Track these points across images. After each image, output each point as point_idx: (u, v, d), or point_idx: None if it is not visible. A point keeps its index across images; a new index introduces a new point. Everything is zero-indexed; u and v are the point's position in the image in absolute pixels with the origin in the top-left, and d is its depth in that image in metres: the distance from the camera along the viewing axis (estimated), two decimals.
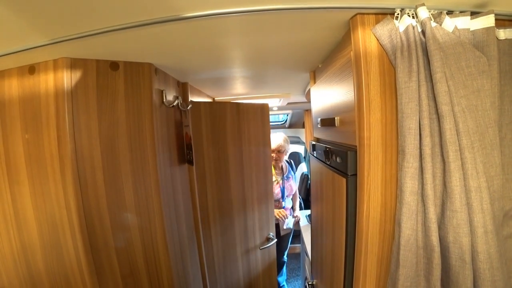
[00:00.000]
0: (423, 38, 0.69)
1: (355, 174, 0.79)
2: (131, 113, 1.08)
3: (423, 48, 0.68)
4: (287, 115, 3.80)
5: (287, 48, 1.05)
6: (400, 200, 0.69)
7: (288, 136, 3.97)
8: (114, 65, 1.05)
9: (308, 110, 3.26)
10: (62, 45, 0.85)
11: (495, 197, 0.69)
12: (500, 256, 0.66)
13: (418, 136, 0.66)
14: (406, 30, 0.69)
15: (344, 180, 0.83)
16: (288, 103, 2.65)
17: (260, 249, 2.14)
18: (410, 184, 0.67)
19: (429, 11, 0.69)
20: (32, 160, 1.02)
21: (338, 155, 0.88)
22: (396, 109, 0.72)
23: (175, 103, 1.33)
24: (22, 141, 1.02)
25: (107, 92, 1.04)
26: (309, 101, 1.49)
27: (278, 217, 2.34)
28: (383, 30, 0.71)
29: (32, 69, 0.99)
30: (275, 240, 2.22)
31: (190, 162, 1.51)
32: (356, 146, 0.78)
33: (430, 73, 0.66)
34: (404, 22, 0.69)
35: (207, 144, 1.70)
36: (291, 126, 3.96)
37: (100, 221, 1.04)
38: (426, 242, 0.68)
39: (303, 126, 3.63)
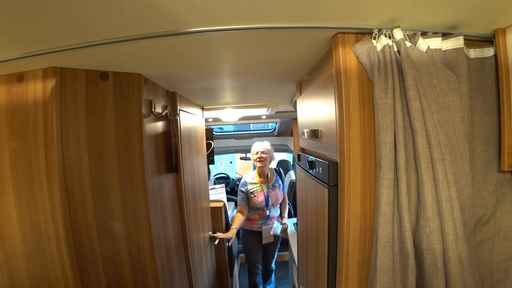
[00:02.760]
0: (398, 57, 0.74)
1: (336, 185, 0.83)
2: (120, 122, 1.09)
3: (398, 66, 0.73)
4: (276, 124, 3.85)
5: (274, 62, 1.10)
6: (377, 210, 0.73)
7: (277, 144, 4.02)
8: (103, 75, 1.06)
9: (296, 119, 3.31)
10: (52, 55, 0.86)
11: (466, 205, 0.74)
12: (471, 261, 0.71)
13: (394, 149, 0.71)
14: (383, 50, 0.74)
15: (326, 190, 0.87)
16: (276, 112, 2.69)
17: (215, 244, 2.33)
18: (386, 195, 0.71)
19: (405, 32, 0.74)
20: (18, 169, 1.01)
21: (321, 166, 0.92)
22: (374, 123, 0.76)
23: (163, 113, 1.34)
24: (8, 149, 1.01)
25: (96, 102, 1.05)
26: (296, 111, 1.54)
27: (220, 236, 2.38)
28: (362, 49, 0.76)
29: (20, 77, 0.99)
30: (215, 236, 2.34)
31: (177, 171, 1.52)
32: (337, 158, 0.82)
33: (405, 90, 0.71)
34: (381, 42, 0.74)
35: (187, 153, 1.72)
36: (279, 134, 4.01)
37: (86, 230, 1.04)
38: (401, 249, 0.72)
39: (292, 135, 3.68)
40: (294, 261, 2.27)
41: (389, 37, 0.75)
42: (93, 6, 0.61)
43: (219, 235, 2.35)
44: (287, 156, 5.51)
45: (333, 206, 0.84)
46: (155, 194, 1.24)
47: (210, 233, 2.31)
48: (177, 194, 1.57)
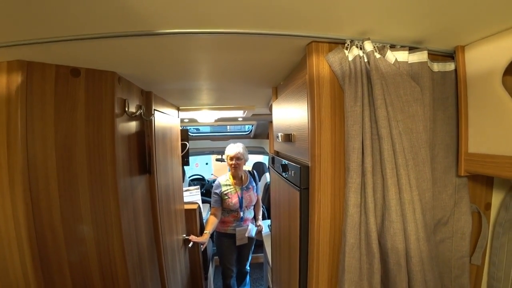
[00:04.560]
0: (368, 67, 0.78)
1: (307, 188, 0.85)
2: (91, 121, 1.05)
3: (368, 76, 0.77)
4: (252, 126, 3.87)
5: (251, 66, 1.11)
6: (345, 212, 0.77)
7: (253, 147, 4.05)
8: (75, 72, 1.02)
9: (272, 122, 3.35)
10: (19, 47, 0.82)
11: (427, 208, 0.80)
12: (431, 259, 0.76)
13: (361, 154, 0.75)
14: (354, 60, 0.77)
15: (297, 193, 0.89)
16: (253, 115, 2.72)
17: (189, 246, 2.35)
18: (353, 198, 0.75)
19: (375, 44, 0.79)
20: None
21: (293, 170, 0.95)
22: (344, 130, 0.80)
23: (137, 113, 1.32)
24: None
25: (66, 99, 1.01)
26: (272, 114, 1.56)
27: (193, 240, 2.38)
28: (335, 58, 0.79)
29: None
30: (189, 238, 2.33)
31: (150, 172, 1.49)
32: (308, 162, 0.85)
33: (373, 99, 0.75)
34: (353, 53, 0.78)
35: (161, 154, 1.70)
36: (256, 136, 4.04)
37: (52, 234, 0.99)
38: (368, 249, 0.76)
39: (268, 137, 3.72)
40: (268, 263, 2.29)
41: (360, 48, 0.79)
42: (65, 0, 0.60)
43: (193, 238, 2.32)
44: (263, 159, 5.55)
45: (304, 208, 0.87)
46: (127, 196, 1.21)
47: (184, 235, 2.28)
48: (150, 196, 1.54)
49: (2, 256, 0.96)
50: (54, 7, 0.62)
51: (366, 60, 0.79)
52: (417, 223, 0.74)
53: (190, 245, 2.31)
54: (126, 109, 1.20)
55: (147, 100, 1.53)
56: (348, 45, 0.80)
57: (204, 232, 2.47)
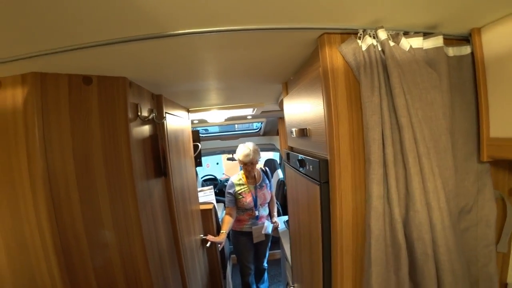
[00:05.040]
0: (383, 56, 0.76)
1: (327, 182, 0.85)
2: (106, 127, 1.06)
3: (383, 65, 0.76)
4: (261, 123, 3.87)
5: (260, 63, 1.11)
6: (368, 204, 0.76)
7: (263, 144, 4.04)
8: (87, 80, 1.03)
9: (282, 118, 3.33)
10: (31, 60, 0.83)
11: (451, 196, 0.78)
12: (458, 248, 0.75)
13: (382, 145, 0.74)
14: (368, 49, 0.76)
15: (317, 187, 0.88)
16: (262, 112, 2.71)
17: (207, 246, 2.34)
18: (376, 189, 0.74)
19: (388, 32, 0.77)
20: None
21: (311, 164, 0.94)
22: (362, 121, 0.79)
23: (150, 117, 1.32)
24: None
25: (80, 107, 1.02)
26: (282, 110, 1.55)
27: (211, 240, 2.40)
28: (348, 49, 0.78)
29: None
30: (206, 238, 2.35)
31: (165, 174, 1.50)
32: (327, 155, 0.84)
33: (390, 88, 0.74)
34: (366, 42, 0.76)
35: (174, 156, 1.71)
36: (265, 133, 4.02)
37: (76, 240, 1.01)
38: (393, 240, 0.75)
39: (278, 134, 3.71)
40: (286, 259, 2.29)
41: (374, 37, 0.78)
42: (74, 9, 0.60)
43: (210, 238, 2.34)
44: (274, 155, 5.54)
45: (325, 202, 0.86)
46: (145, 199, 1.22)
47: (202, 235, 2.30)
48: (167, 198, 1.55)
49: (29, 264, 0.98)
50: (64, 17, 0.63)
51: (380, 49, 0.77)
52: (442, 211, 0.73)
53: (208, 244, 2.33)
54: (139, 114, 1.21)
55: (158, 104, 1.54)
56: (360, 34, 0.79)
57: (221, 232, 2.48)
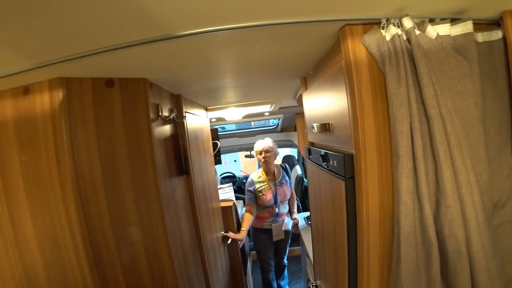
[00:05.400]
0: (408, 46, 0.73)
1: (353, 177, 0.83)
2: (129, 128, 1.09)
3: (409, 55, 0.73)
4: (279, 120, 3.84)
5: (278, 58, 1.09)
6: (397, 200, 0.73)
7: (281, 140, 4.02)
8: (109, 82, 1.06)
9: (299, 114, 3.31)
10: (57, 65, 0.86)
11: (484, 190, 0.74)
12: (493, 245, 0.71)
13: (410, 138, 0.71)
14: (392, 39, 0.73)
15: (342, 182, 0.86)
16: (280, 108, 2.69)
17: (228, 243, 2.37)
18: (405, 184, 0.71)
19: (413, 20, 0.74)
20: (31, 182, 1.01)
21: (335, 159, 0.92)
22: (388, 114, 0.76)
23: (171, 116, 1.34)
24: (20, 163, 1.01)
25: (104, 109, 1.05)
26: (300, 105, 1.53)
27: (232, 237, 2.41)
28: (371, 40, 0.75)
29: (26, 90, 0.99)
30: (227, 235, 2.38)
31: (187, 173, 1.52)
32: (352, 150, 0.82)
33: (418, 79, 0.71)
34: (390, 32, 0.74)
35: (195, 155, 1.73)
36: (283, 130, 4.00)
37: (104, 238, 1.04)
38: (424, 237, 0.72)
39: (295, 130, 3.67)
40: (307, 256, 2.28)
41: (398, 26, 0.75)
42: (95, 14, 0.61)
43: (231, 235, 2.36)
44: (291, 151, 5.51)
45: (350, 198, 0.84)
46: (168, 197, 1.24)
47: (222, 232, 2.32)
48: (189, 196, 1.58)
49: (61, 260, 1.02)
50: (86, 22, 0.65)
51: (405, 38, 0.74)
52: (476, 206, 0.69)
53: (229, 241, 2.35)
54: (160, 114, 1.23)
55: (178, 103, 1.56)
56: (384, 24, 0.76)
57: (241, 229, 2.50)
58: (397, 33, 0.73)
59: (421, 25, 0.75)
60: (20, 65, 0.83)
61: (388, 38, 0.74)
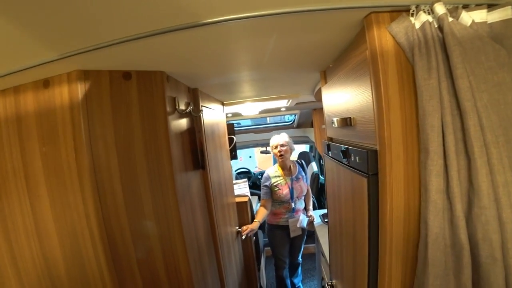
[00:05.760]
0: (440, 34, 0.68)
1: (376, 174, 0.78)
2: (146, 121, 1.08)
3: (441, 44, 0.67)
4: (295, 115, 3.79)
5: (297, 50, 1.05)
6: (425, 199, 0.68)
7: (297, 136, 3.97)
8: (126, 75, 1.06)
9: (316, 109, 3.24)
10: (75, 58, 0.86)
11: None
12: None
13: (441, 133, 0.65)
14: (422, 27, 0.68)
15: (364, 180, 0.82)
16: (297, 103, 2.64)
17: (243, 238, 2.38)
18: (435, 182, 0.66)
19: (445, 6, 0.68)
20: (51, 173, 1.03)
21: (357, 155, 0.87)
22: (416, 107, 0.71)
23: (187, 110, 1.33)
24: (40, 154, 1.03)
25: (121, 102, 1.05)
26: (318, 100, 1.48)
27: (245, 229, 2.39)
28: (399, 28, 0.70)
29: (46, 83, 1.00)
30: (240, 230, 2.38)
31: (203, 167, 1.52)
32: (375, 146, 0.77)
33: (450, 69, 0.65)
34: (420, 19, 0.68)
35: (211, 149, 1.72)
36: (299, 126, 3.94)
37: (120, 230, 1.05)
38: (454, 240, 0.67)
39: (312, 126, 3.61)
40: (322, 254, 2.23)
41: (428, 13, 0.69)
42: (113, 4, 0.60)
43: (243, 228, 2.36)
44: (306, 147, 5.44)
45: (373, 196, 0.80)
46: (184, 191, 1.24)
47: (237, 227, 2.31)
48: (205, 191, 1.57)
49: (79, 251, 1.03)
50: (105, 12, 0.63)
51: (436, 25, 0.69)
52: None
53: (243, 237, 2.34)
54: (177, 107, 1.23)
55: (195, 97, 1.55)
56: (413, 11, 0.71)
57: (254, 220, 2.49)
58: (427, 20, 0.67)
59: (454, 11, 0.69)
60: (42, 56, 0.83)
61: (417, 26, 0.69)
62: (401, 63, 0.72)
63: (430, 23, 0.67)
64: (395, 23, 0.71)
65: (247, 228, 2.38)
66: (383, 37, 0.72)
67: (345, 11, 0.73)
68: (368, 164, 0.79)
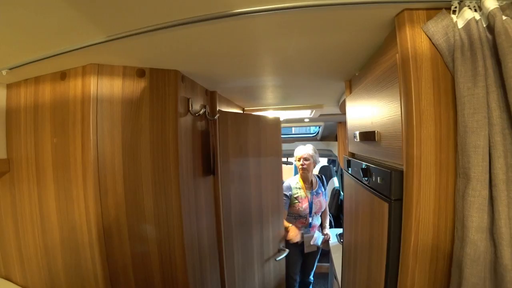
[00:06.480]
0: (490, 34, 0.56)
1: (400, 199, 0.66)
2: (155, 121, 1.04)
3: (490, 46, 0.55)
4: (319, 127, 3.65)
5: (320, 54, 0.96)
6: (461, 238, 0.55)
7: (320, 149, 3.81)
8: (140, 72, 1.03)
9: (342, 123, 3.09)
10: (92, 51, 0.84)
11: None
12: None
13: (488, 156, 0.52)
14: (467, 26, 0.56)
15: (386, 205, 0.70)
16: (321, 115, 2.52)
17: (276, 260, 2.11)
18: (476, 218, 0.52)
19: (497, 1, 0.56)
20: (58, 164, 1.02)
21: (379, 175, 0.75)
22: (454, 122, 0.59)
23: (201, 112, 1.28)
24: (51, 145, 1.03)
25: (131, 99, 1.02)
26: (343, 113, 1.37)
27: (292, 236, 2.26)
28: (437, 27, 0.59)
29: (63, 75, 1.00)
30: (287, 250, 2.19)
31: (214, 173, 1.45)
32: (402, 166, 0.65)
33: (502, 77, 0.53)
34: (464, 16, 0.57)
35: (232, 155, 1.64)
36: (323, 138, 3.79)
37: (118, 230, 1.01)
38: None
39: (336, 139, 3.45)
40: (335, 277, 2.06)
41: (475, 10, 0.58)
42: None
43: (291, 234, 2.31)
44: (326, 161, 5.23)
45: (395, 225, 0.67)
46: (189, 197, 1.17)
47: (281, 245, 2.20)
48: (214, 198, 1.50)
49: (76, 246, 1.01)
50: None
51: (485, 24, 0.57)
52: None
53: (279, 258, 2.16)
54: (190, 109, 1.18)
55: (212, 100, 1.50)
56: (455, 7, 0.59)
57: (289, 226, 2.40)
58: (473, 17, 0.56)
59: (507, 8, 0.57)
60: (56, 47, 0.81)
61: (460, 25, 0.57)
62: (438, 69, 0.60)
63: (477, 22, 0.56)
64: (432, 22, 0.60)
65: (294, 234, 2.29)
66: (417, 39, 0.61)
67: (374, 7, 0.63)
68: (392, 186, 0.67)
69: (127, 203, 1.01)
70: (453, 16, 0.59)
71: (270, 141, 2.01)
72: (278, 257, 2.12)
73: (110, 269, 1.00)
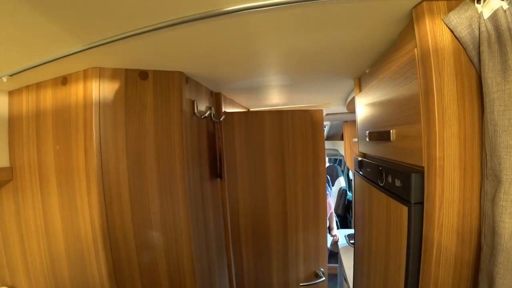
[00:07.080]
0: None
1: (421, 203, 0.62)
2: (160, 124, 1.01)
3: None
4: (325, 127, 3.60)
5: (328, 51, 0.92)
6: (491, 245, 0.51)
7: (326, 149, 3.75)
8: (143, 74, 1.00)
9: (348, 122, 3.05)
10: (92, 54, 0.81)
11: None
12: None
13: None
14: (494, 16, 0.52)
15: (405, 209, 0.66)
16: (327, 114, 2.48)
17: (300, 285, 1.75)
18: (510, 225, 0.48)
19: None
20: (61, 172, 1.00)
21: (397, 177, 0.71)
22: (480, 120, 0.55)
23: (207, 114, 1.25)
24: (53, 152, 1.01)
25: (135, 103, 0.99)
26: (350, 112, 1.33)
27: None
28: (460, 19, 0.55)
29: (64, 80, 0.98)
30: (324, 278, 1.78)
31: (221, 177, 1.42)
32: (422, 167, 0.61)
33: None
34: (490, 6, 0.53)
35: (240, 157, 1.59)
36: (328, 138, 3.74)
37: (124, 238, 0.98)
38: None
39: (342, 138, 3.40)
40: (345, 279, 2.02)
41: None
42: None
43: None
44: (330, 161, 5.18)
45: (415, 230, 0.63)
46: (196, 202, 1.14)
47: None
48: (222, 203, 1.46)
49: (82, 256, 0.99)
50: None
51: None
52: None
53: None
54: (195, 111, 1.15)
55: (217, 102, 1.47)
56: None
57: None
58: (501, 7, 0.52)
59: None
60: (57, 51, 0.79)
61: (486, 15, 0.53)
62: (461, 63, 0.56)
63: (504, 11, 0.52)
64: (455, 13, 0.56)
65: None
66: (438, 31, 0.57)
67: (389, 0, 0.59)
68: (411, 189, 0.63)
69: (133, 210, 0.99)
70: (478, 6, 0.55)
71: (303, 139, 1.71)
72: (312, 281, 1.76)
73: (117, 278, 0.98)
